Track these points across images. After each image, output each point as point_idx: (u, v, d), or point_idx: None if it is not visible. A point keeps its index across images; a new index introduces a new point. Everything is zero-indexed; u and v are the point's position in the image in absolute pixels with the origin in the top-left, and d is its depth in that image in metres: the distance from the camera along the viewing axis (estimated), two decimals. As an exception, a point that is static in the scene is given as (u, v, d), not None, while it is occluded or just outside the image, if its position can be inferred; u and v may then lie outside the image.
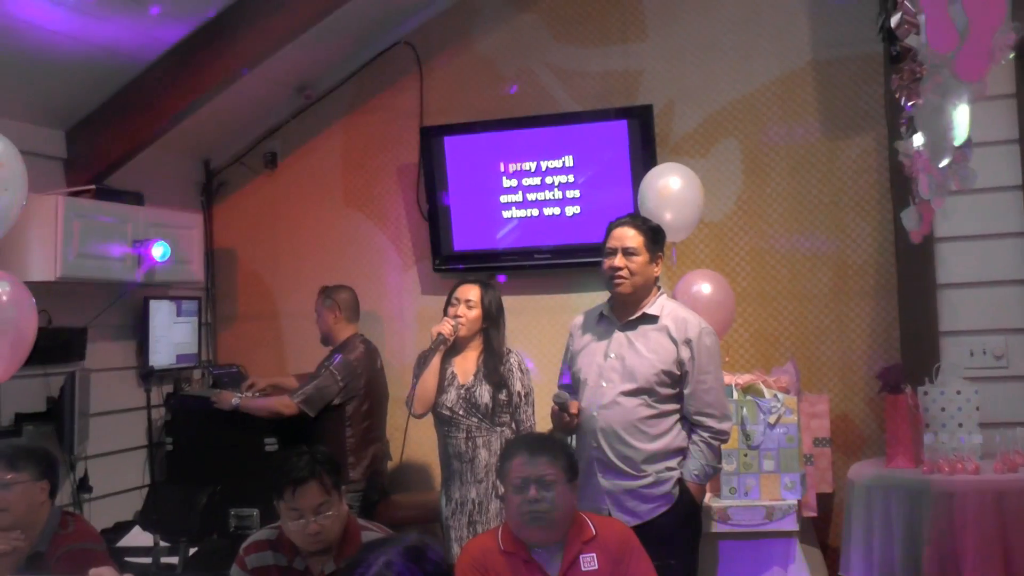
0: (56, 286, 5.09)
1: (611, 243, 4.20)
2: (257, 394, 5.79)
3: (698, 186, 5.11)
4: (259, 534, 3.51)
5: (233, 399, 5.62)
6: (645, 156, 5.65)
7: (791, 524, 4.69)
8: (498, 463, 3.76)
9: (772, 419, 4.80)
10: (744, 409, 4.81)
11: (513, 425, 4.75)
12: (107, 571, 1.34)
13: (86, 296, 5.71)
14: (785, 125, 5.72)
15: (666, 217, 4.93)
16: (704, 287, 5.15)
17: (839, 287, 5.62)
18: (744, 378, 4.99)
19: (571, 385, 4.35)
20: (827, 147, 5.65)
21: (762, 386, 4.91)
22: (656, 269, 4.22)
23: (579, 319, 4.46)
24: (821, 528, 5.40)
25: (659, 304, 4.22)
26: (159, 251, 5.67)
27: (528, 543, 3.42)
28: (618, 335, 4.22)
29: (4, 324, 3.69)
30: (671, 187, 5.02)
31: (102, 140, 5.72)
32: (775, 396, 4.84)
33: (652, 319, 4.18)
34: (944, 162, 3.05)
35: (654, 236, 4.22)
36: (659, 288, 4.29)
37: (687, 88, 5.88)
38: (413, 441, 5.46)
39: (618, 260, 4.15)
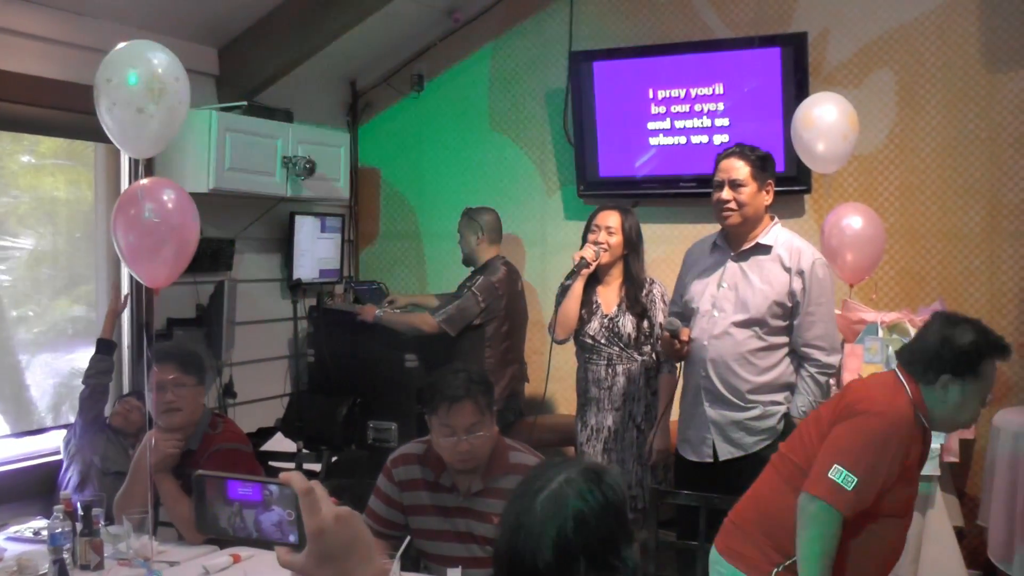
0: (207, 198, 5.18)
1: (718, 176, 4.15)
2: (398, 310, 5.89)
3: (853, 118, 4.93)
4: (407, 447, 3.56)
5: (376, 311, 5.74)
6: (797, 85, 5.50)
7: (933, 469, 4.54)
8: None
9: (917, 359, 4.68)
10: (889, 348, 4.70)
11: (654, 355, 4.75)
12: (296, 475, 1.38)
13: (234, 208, 5.87)
14: (943, 56, 5.49)
15: (818, 148, 4.83)
16: (854, 220, 4.97)
17: (992, 226, 5.42)
18: (890, 316, 4.88)
19: (683, 313, 4.33)
20: (987, 80, 5.41)
21: (908, 325, 4.80)
22: (767, 198, 4.14)
23: (692, 248, 4.44)
24: (958, 475, 5.26)
25: (773, 234, 4.16)
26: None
27: None
28: (731, 265, 4.18)
29: (170, 231, 3.78)
30: (826, 118, 4.85)
31: (253, 58, 5.81)
32: (922, 336, 4.72)
33: (765, 249, 4.13)
34: None
35: (762, 165, 4.13)
36: (773, 217, 4.22)
37: (843, 16, 5.67)
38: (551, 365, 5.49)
39: (725, 193, 4.10)
